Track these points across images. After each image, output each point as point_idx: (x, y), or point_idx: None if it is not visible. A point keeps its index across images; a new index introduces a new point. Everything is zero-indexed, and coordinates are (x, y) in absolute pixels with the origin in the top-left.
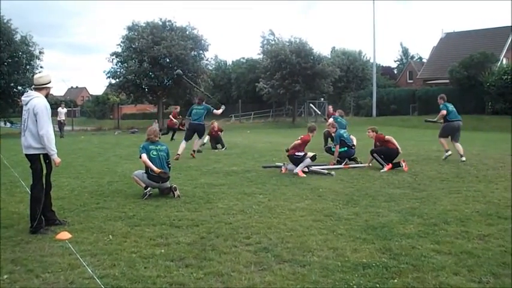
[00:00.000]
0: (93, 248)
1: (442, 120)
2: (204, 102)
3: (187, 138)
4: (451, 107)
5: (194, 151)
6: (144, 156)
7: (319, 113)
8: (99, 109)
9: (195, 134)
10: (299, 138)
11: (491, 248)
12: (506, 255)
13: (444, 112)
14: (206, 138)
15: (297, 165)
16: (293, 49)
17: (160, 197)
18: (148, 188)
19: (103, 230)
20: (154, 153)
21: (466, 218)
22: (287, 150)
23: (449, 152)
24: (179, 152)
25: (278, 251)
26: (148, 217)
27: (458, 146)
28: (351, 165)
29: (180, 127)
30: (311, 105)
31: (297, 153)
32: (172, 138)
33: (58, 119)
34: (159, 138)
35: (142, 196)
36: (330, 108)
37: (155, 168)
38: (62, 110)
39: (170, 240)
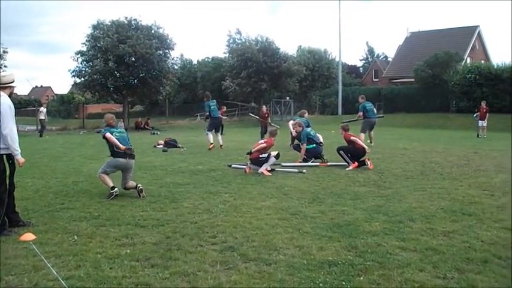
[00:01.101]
0: (57, 249)
1: (361, 118)
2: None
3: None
4: (369, 106)
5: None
6: (109, 134)
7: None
8: (64, 108)
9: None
10: (263, 141)
11: (456, 244)
12: (470, 251)
13: (361, 114)
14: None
15: (260, 166)
16: (260, 48)
17: (126, 197)
18: (115, 189)
19: (68, 231)
20: (117, 134)
21: (431, 215)
22: (250, 153)
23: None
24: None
25: (244, 250)
26: (113, 217)
27: (371, 134)
28: (329, 164)
29: (146, 126)
30: (250, 114)
31: (261, 156)
32: None
33: (40, 118)
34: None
35: (108, 196)
36: (264, 108)
37: (121, 145)
38: (43, 110)
39: (136, 240)
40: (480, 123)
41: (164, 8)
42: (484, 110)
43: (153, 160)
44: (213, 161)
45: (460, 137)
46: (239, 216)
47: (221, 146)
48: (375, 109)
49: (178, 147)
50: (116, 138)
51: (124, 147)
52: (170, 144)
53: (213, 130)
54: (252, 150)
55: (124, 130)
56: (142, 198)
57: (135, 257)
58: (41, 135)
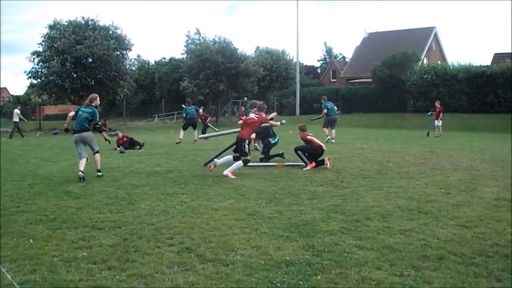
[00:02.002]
0: (13, 253)
1: (324, 116)
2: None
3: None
4: (330, 105)
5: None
6: (72, 113)
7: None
8: (21, 110)
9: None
10: (256, 114)
11: (412, 242)
12: (427, 248)
13: (325, 111)
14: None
15: (237, 152)
16: (218, 49)
17: (83, 199)
18: (81, 173)
19: (23, 234)
20: (80, 113)
21: (388, 214)
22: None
23: (329, 137)
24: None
25: (201, 251)
26: (70, 219)
27: (333, 132)
28: (286, 164)
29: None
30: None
31: (245, 143)
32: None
33: (14, 120)
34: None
35: (79, 178)
36: (242, 108)
37: (65, 124)
38: (16, 111)
39: (92, 243)
40: (436, 122)
41: (122, 8)
42: (438, 110)
43: (111, 162)
44: (170, 162)
45: (417, 136)
46: (196, 217)
47: (195, 141)
48: (335, 107)
49: (138, 147)
50: (78, 116)
51: (65, 126)
52: (134, 143)
53: (187, 128)
54: (242, 124)
55: (90, 110)
56: (99, 201)
57: (92, 260)
58: (10, 137)
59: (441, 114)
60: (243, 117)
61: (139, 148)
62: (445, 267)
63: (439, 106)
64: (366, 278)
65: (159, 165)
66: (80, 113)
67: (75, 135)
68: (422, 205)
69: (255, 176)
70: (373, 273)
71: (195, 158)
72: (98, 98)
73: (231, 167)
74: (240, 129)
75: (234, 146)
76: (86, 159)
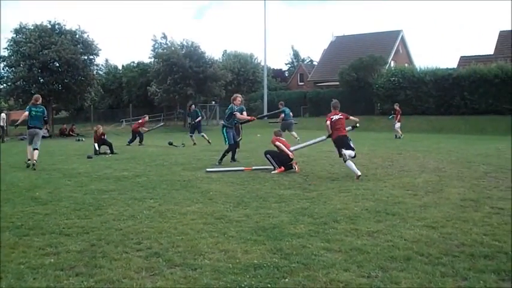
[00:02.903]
0: None
1: (281, 120)
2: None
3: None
4: (287, 110)
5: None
6: (26, 113)
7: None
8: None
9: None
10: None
11: (380, 244)
12: (394, 249)
13: (282, 115)
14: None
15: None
16: (185, 53)
17: (50, 205)
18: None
19: None
20: (33, 112)
21: (356, 216)
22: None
23: (298, 138)
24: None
25: (169, 256)
26: (37, 226)
27: (294, 133)
28: (254, 168)
29: (71, 132)
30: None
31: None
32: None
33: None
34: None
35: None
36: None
37: (19, 121)
38: (2, 115)
39: (60, 249)
40: (397, 125)
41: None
42: (397, 112)
43: (78, 167)
44: (138, 167)
45: (385, 138)
46: (164, 222)
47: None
48: (291, 113)
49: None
50: (32, 115)
51: (18, 122)
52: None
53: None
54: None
55: (41, 109)
56: (66, 207)
57: (60, 266)
58: (2, 141)
59: (399, 116)
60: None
61: (110, 153)
62: (412, 268)
63: (397, 109)
64: (334, 280)
65: (127, 170)
66: (34, 113)
67: (31, 130)
68: (389, 207)
69: (223, 180)
70: (340, 275)
71: (162, 163)
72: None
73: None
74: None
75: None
76: (35, 149)
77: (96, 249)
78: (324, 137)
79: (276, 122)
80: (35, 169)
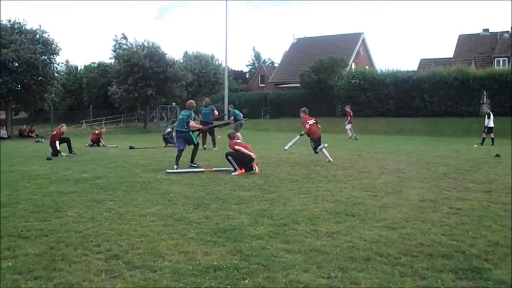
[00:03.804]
0: None
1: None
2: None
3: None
4: (237, 112)
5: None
6: None
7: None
8: None
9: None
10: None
11: (339, 245)
12: (354, 250)
13: (232, 118)
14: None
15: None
16: (146, 53)
17: (8, 207)
18: None
19: None
20: None
21: (315, 217)
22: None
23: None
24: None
25: (129, 258)
26: None
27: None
28: (214, 169)
29: (30, 133)
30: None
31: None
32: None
33: None
34: None
35: None
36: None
37: None
38: None
39: (18, 252)
40: (346, 126)
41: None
42: (348, 114)
43: (37, 169)
44: (98, 169)
45: (345, 140)
46: (124, 223)
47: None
48: (241, 114)
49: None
50: None
51: None
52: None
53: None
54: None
55: None
56: (24, 209)
57: (18, 270)
58: None
59: (350, 118)
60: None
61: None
62: (371, 268)
63: (348, 110)
64: (294, 280)
65: (87, 172)
66: None
67: None
68: (349, 208)
69: (183, 181)
70: (300, 276)
71: (122, 165)
72: None
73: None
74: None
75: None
76: None
77: (55, 252)
78: (298, 136)
79: (226, 124)
80: None
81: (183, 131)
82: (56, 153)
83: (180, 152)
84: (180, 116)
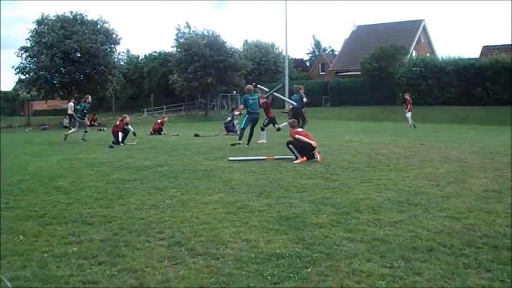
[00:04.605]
0: (2, 250)
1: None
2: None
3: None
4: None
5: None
6: None
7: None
8: (9, 106)
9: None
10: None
11: (402, 234)
12: (416, 240)
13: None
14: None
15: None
16: (206, 42)
17: (72, 194)
18: None
19: (13, 231)
20: None
21: (378, 206)
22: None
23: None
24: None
25: (191, 245)
26: (60, 215)
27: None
28: (276, 157)
29: (92, 122)
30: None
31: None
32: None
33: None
34: None
35: None
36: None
37: None
38: (70, 104)
39: (82, 238)
40: (408, 114)
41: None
42: (408, 102)
43: (100, 157)
44: (160, 157)
45: (406, 128)
46: (186, 211)
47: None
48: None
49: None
50: None
51: None
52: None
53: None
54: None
55: None
56: (88, 196)
57: (82, 255)
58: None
59: (410, 105)
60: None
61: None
62: (434, 259)
63: (408, 98)
64: (356, 270)
65: (149, 160)
66: None
67: None
68: (411, 197)
69: (245, 169)
70: (363, 265)
71: (184, 152)
72: None
73: None
74: None
75: None
76: None
77: (119, 238)
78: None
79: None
80: None
81: (257, 112)
82: (117, 142)
83: (243, 130)
84: (251, 101)
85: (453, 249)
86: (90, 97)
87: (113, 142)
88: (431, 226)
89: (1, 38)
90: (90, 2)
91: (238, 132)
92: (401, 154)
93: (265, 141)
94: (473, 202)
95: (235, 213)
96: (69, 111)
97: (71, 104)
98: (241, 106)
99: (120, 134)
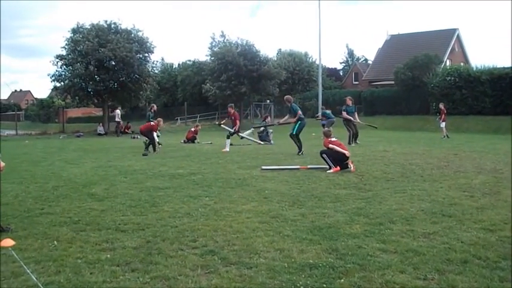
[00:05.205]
0: (37, 255)
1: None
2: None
3: None
4: (328, 111)
5: None
6: None
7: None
8: (44, 113)
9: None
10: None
11: (436, 246)
12: (451, 251)
13: (324, 117)
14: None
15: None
16: (240, 51)
17: (106, 201)
18: None
19: (48, 236)
20: None
21: (411, 217)
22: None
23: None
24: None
25: (224, 254)
26: (93, 222)
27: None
28: (309, 167)
29: (126, 130)
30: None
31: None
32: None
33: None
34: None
35: None
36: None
37: None
38: (118, 112)
39: (116, 245)
40: (440, 124)
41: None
42: (442, 112)
43: (133, 164)
44: (193, 165)
45: (440, 138)
46: (219, 219)
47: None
48: (331, 113)
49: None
50: None
51: None
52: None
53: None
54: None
55: None
56: (122, 203)
57: (116, 262)
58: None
59: (444, 116)
60: None
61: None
62: (469, 271)
63: (442, 108)
64: (390, 281)
65: (182, 168)
66: None
67: None
68: (445, 208)
69: (278, 178)
70: (396, 276)
71: (217, 161)
72: None
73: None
74: None
75: None
76: None
77: (152, 246)
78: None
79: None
80: None
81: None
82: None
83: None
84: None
85: (488, 262)
86: (155, 106)
87: (147, 141)
88: (466, 238)
89: (35, 45)
90: (125, 12)
91: (272, 142)
92: (435, 164)
93: (228, 150)
94: (509, 214)
95: (268, 222)
96: (117, 119)
97: (118, 111)
98: (299, 112)
99: (155, 134)
